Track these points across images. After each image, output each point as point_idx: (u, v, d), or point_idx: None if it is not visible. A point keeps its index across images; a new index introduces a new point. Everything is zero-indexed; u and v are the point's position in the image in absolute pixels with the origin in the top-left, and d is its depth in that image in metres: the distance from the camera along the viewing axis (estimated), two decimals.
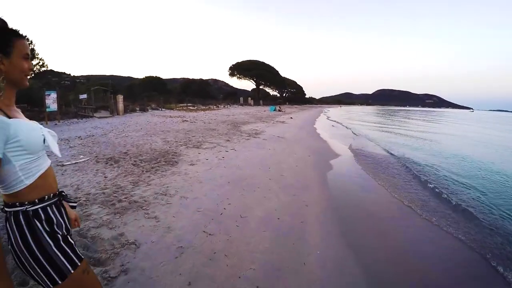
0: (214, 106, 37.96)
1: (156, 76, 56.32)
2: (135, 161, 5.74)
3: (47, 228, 1.12)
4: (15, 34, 1.12)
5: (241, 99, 56.05)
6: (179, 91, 62.11)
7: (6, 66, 1.09)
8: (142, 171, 5.09)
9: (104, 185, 4.25)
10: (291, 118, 24.38)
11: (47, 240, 1.10)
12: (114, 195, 3.88)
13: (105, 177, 4.67)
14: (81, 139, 8.33)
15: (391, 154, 9.16)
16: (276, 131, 12.65)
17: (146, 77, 55.42)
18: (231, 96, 67.95)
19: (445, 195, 5.07)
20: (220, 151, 7.32)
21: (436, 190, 5.39)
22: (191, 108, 31.46)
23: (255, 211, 3.68)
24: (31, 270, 1.08)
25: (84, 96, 20.36)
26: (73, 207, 1.40)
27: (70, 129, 10.86)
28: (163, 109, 24.88)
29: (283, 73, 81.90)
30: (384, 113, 59.11)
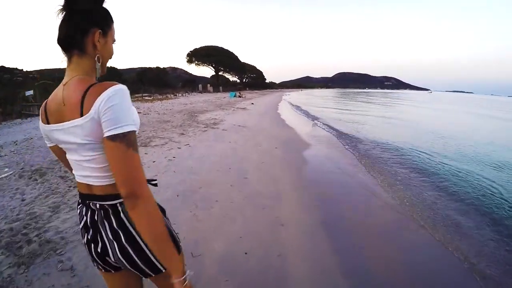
0: (172, 95, 35.74)
1: (110, 66, 51.91)
2: (65, 171, 4.35)
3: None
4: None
5: (200, 86, 53.80)
6: (135, 80, 58.63)
7: (101, 45, 0.93)
8: (69, 186, 3.79)
9: (17, 214, 3.03)
10: (252, 104, 23.35)
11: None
12: (25, 230, 2.68)
13: (22, 200, 3.42)
14: (16, 144, 6.70)
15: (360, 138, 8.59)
16: (236, 119, 11.52)
17: None
18: (190, 83, 65.10)
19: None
20: (171, 148, 6.07)
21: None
22: (146, 98, 29.18)
23: (213, 243, 2.58)
24: (142, 261, 0.94)
25: (30, 92, 17.58)
26: None
27: (10, 132, 8.97)
28: None
29: (242, 59, 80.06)
30: (344, 96, 60.05)
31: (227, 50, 71.68)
